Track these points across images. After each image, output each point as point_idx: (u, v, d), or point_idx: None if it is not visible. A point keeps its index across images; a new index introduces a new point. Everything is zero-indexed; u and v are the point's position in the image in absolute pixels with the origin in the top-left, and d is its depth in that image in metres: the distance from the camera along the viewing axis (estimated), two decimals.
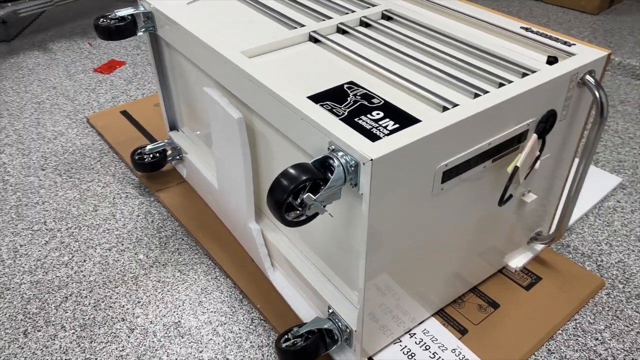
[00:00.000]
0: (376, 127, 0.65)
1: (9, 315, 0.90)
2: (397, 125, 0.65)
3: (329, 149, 0.63)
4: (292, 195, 0.59)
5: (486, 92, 0.71)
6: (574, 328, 0.88)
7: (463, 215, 0.77)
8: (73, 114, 1.43)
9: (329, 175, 0.60)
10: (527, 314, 0.89)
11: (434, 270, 0.80)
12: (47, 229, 1.07)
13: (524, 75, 0.75)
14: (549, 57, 0.79)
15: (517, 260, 0.97)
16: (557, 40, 0.82)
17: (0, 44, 1.80)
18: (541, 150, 0.78)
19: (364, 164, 0.59)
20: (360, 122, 0.66)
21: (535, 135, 0.75)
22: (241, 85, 0.78)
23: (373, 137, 0.63)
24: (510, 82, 0.73)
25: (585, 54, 0.78)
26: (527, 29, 0.86)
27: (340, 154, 0.61)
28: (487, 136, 0.70)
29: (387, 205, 0.64)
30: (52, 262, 1.00)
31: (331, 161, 0.61)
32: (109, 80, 1.58)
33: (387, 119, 0.67)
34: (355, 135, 0.62)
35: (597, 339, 0.86)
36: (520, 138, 0.75)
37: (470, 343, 0.84)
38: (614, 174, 1.21)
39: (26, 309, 0.92)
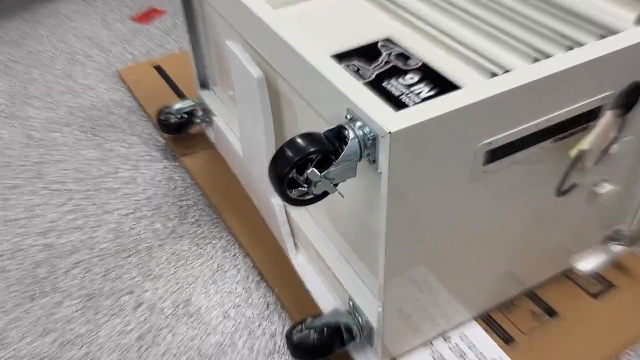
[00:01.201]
0: (407, 94, 0.61)
1: (18, 278, 0.95)
2: (431, 93, 0.61)
3: (346, 117, 0.60)
4: (297, 169, 0.56)
5: (549, 56, 0.64)
6: None
7: (513, 205, 0.72)
8: (105, 67, 1.46)
9: (343, 148, 0.57)
10: (590, 326, 0.82)
11: (474, 266, 0.76)
12: (65, 189, 1.11)
13: (603, 37, 0.67)
14: (639, 15, 0.70)
15: (586, 263, 0.89)
16: None
17: None
18: (620, 130, 0.71)
19: (382, 137, 0.55)
20: (388, 86, 0.62)
21: (611, 113, 0.68)
22: (262, 40, 0.75)
23: (400, 106, 0.59)
24: (583, 44, 0.65)
25: None
26: None
27: (357, 124, 0.57)
28: (546, 111, 0.64)
29: (412, 187, 0.60)
30: (66, 226, 1.04)
31: (346, 132, 0.57)
32: (146, 31, 1.60)
33: (422, 85, 0.62)
34: (377, 102, 0.58)
35: None
36: (591, 115, 0.68)
37: (515, 354, 0.79)
38: None
39: (35, 272, 0.96)
